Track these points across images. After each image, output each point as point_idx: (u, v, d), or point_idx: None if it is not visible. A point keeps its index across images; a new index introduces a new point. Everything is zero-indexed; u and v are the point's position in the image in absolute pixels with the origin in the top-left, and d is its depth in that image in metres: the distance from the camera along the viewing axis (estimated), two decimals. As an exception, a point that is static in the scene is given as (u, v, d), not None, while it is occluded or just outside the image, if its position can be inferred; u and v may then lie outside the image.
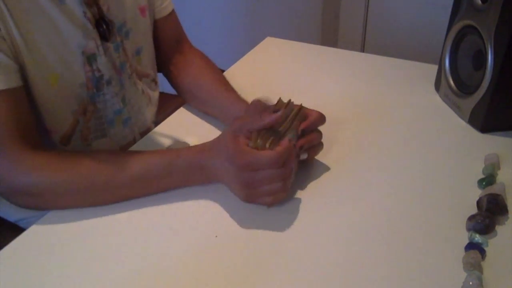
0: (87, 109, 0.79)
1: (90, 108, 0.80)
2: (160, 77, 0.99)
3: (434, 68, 0.99)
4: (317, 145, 0.74)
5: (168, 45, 0.96)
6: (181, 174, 0.70)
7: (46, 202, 0.68)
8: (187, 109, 0.94)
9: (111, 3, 0.78)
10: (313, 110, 0.74)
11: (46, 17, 0.70)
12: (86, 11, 0.74)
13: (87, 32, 0.75)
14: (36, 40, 0.70)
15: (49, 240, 0.64)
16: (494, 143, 0.82)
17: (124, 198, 0.69)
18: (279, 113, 0.67)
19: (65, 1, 0.71)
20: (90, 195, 0.68)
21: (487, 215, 0.64)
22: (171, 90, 0.99)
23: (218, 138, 0.69)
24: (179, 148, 0.71)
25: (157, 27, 0.93)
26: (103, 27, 0.77)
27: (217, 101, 0.87)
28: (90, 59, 0.76)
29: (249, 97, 0.85)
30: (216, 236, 0.64)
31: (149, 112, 0.96)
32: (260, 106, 0.74)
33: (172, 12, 0.96)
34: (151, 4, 0.89)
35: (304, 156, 0.71)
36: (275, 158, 0.64)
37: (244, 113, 0.78)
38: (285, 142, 0.66)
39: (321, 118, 0.73)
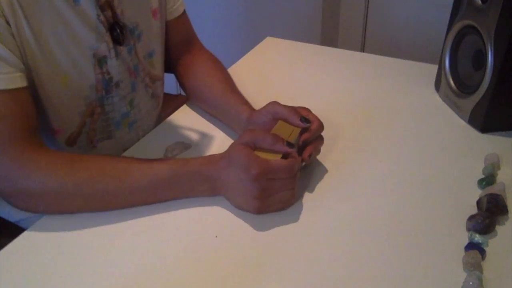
0: (94, 111, 0.79)
1: (98, 110, 0.80)
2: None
3: (434, 68, 0.99)
4: (318, 149, 0.75)
5: (178, 45, 0.96)
6: (185, 185, 0.68)
7: (44, 205, 0.67)
8: (187, 109, 0.94)
9: (125, 6, 0.78)
10: (313, 116, 0.74)
11: (60, 18, 0.70)
12: (100, 14, 0.74)
13: (99, 34, 0.75)
14: (49, 41, 0.70)
15: (49, 240, 0.64)
16: (494, 143, 0.82)
17: (127, 206, 0.68)
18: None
19: (80, 3, 0.71)
20: (90, 202, 0.67)
21: (487, 215, 0.64)
22: (171, 90, 0.99)
23: (228, 150, 0.68)
24: (185, 158, 0.70)
25: (168, 28, 0.93)
26: (117, 31, 0.77)
27: (220, 102, 0.86)
28: (100, 61, 0.76)
29: (249, 97, 0.85)
30: (216, 236, 0.64)
31: (156, 115, 0.96)
32: (268, 119, 0.74)
33: (184, 13, 0.96)
34: (162, 6, 0.89)
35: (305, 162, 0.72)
36: (290, 167, 0.65)
37: (249, 121, 0.77)
38: (294, 153, 0.67)
39: (321, 128, 0.73)
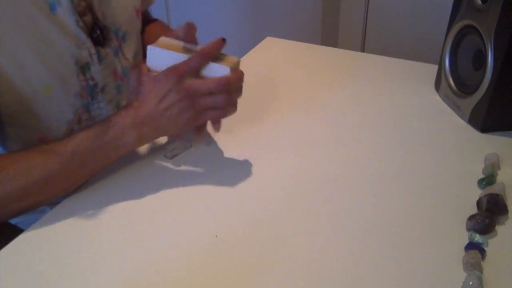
0: (81, 118, 0.79)
1: (85, 117, 0.79)
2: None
3: (434, 68, 0.99)
4: None
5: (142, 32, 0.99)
6: (114, 140, 0.68)
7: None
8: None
9: (106, 8, 0.78)
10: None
11: (38, 30, 0.69)
12: (79, 19, 0.73)
13: (79, 41, 0.74)
14: (26, 55, 0.68)
15: (48, 241, 0.64)
16: (494, 143, 0.82)
17: (76, 182, 0.69)
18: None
19: (57, 11, 0.70)
20: (31, 193, 0.66)
21: (487, 215, 0.64)
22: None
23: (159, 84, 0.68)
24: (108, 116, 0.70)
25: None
26: (97, 32, 0.76)
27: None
28: (83, 68, 0.75)
29: (249, 97, 0.85)
30: (216, 236, 0.64)
31: None
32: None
33: None
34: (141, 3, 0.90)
35: None
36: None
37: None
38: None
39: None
